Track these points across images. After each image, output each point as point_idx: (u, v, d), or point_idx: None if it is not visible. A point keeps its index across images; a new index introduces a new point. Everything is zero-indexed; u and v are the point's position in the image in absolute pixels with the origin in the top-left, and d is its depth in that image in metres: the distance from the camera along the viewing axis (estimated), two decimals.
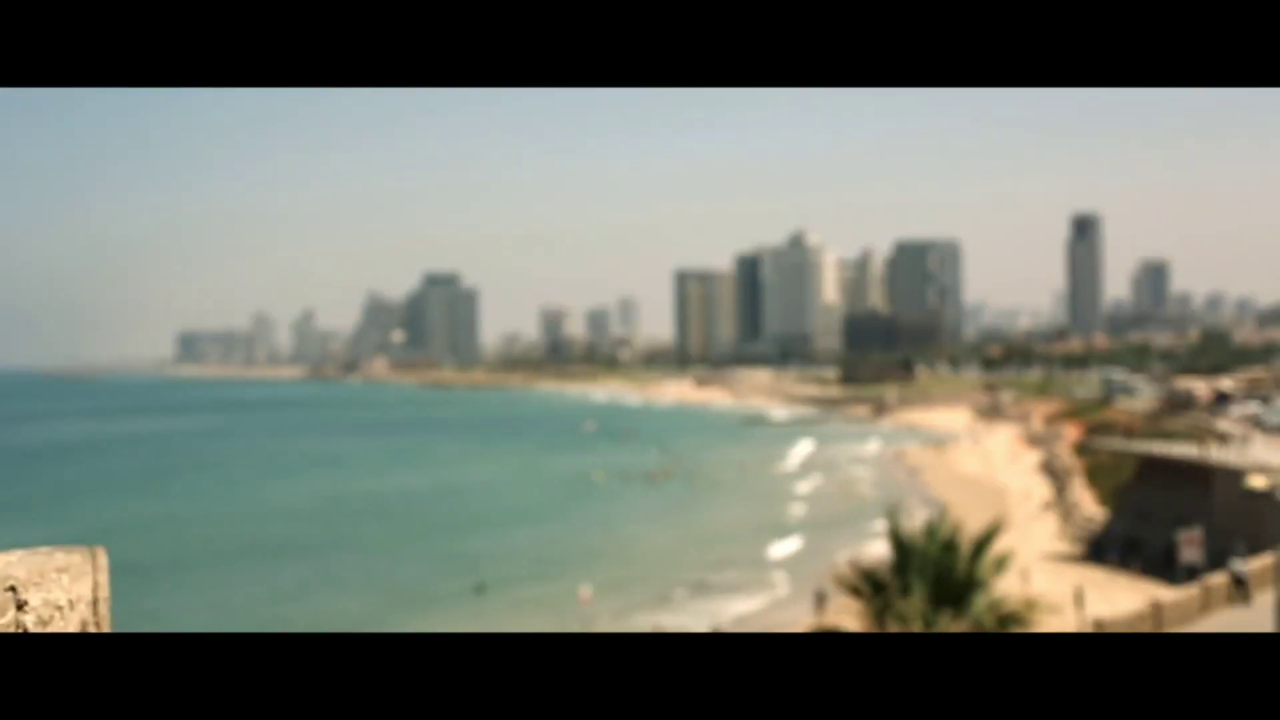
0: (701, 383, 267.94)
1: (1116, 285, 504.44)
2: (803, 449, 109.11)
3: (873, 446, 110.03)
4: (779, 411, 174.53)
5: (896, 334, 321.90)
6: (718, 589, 47.38)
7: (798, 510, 71.40)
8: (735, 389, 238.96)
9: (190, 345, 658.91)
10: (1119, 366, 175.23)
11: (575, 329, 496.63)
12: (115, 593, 2.64)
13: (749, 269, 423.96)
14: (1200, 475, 49.82)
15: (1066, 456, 76.21)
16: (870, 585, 23.95)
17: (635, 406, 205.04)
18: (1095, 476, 65.73)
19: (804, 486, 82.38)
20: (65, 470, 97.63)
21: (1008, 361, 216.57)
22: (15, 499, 73.44)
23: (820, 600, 40.73)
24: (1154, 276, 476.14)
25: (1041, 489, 71.62)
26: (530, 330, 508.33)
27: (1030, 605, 24.54)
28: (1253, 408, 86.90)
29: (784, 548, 57.18)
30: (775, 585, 48.92)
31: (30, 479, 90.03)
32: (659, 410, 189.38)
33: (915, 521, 29.33)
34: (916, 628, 22.10)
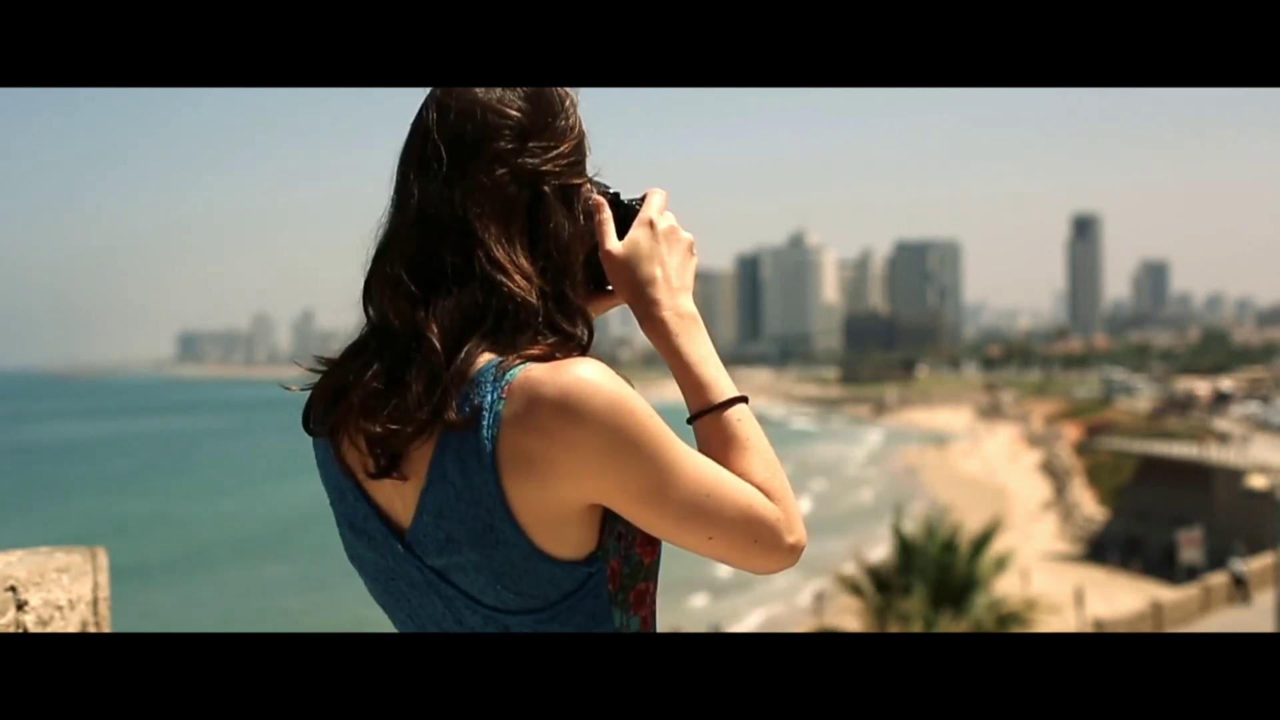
0: None
1: (1116, 285, 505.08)
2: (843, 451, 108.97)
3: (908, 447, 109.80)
4: (789, 410, 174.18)
5: (896, 334, 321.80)
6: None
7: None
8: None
9: (190, 345, 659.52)
10: (1119, 366, 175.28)
11: None
12: (116, 594, 2.63)
13: (749, 269, 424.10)
14: (1200, 475, 49.78)
15: (1066, 456, 76.18)
16: (873, 584, 23.99)
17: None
18: (1095, 476, 65.67)
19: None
20: (65, 470, 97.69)
21: (1008, 361, 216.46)
22: (15, 499, 73.49)
23: (820, 600, 40.74)
24: (1154, 276, 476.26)
25: (1041, 489, 71.59)
26: None
27: (1030, 605, 24.58)
28: (1253, 408, 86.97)
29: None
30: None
31: (30, 479, 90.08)
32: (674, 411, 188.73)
33: (915, 521, 29.34)
34: (917, 628, 22.11)
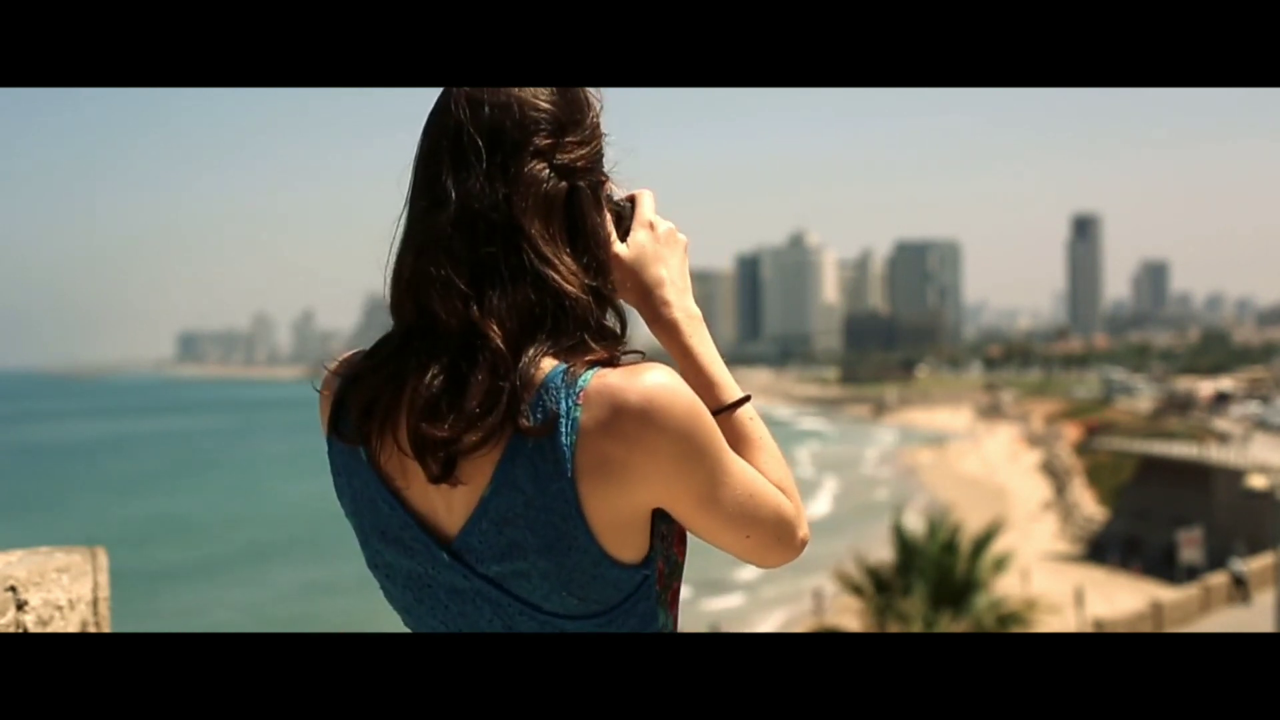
0: None
1: (1116, 285, 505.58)
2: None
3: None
4: (797, 410, 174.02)
5: (896, 334, 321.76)
6: None
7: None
8: None
9: (190, 345, 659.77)
10: (1119, 366, 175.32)
11: None
12: (120, 595, 2.63)
13: (749, 269, 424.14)
14: (1200, 475, 49.76)
15: (1066, 456, 76.16)
16: (873, 584, 23.98)
17: None
18: (1095, 476, 65.66)
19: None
20: (66, 470, 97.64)
21: (1008, 361, 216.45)
22: (16, 499, 73.45)
23: (819, 600, 40.76)
24: (1154, 276, 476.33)
25: (1041, 489, 71.57)
26: None
27: (1030, 605, 24.57)
28: (1253, 408, 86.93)
29: None
30: None
31: (31, 479, 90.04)
32: None
33: (916, 521, 29.33)
34: (917, 628, 22.10)
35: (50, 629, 2.31)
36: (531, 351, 1.31)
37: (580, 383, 1.29)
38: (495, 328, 1.30)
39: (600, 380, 1.29)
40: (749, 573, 44.84)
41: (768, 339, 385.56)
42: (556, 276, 1.33)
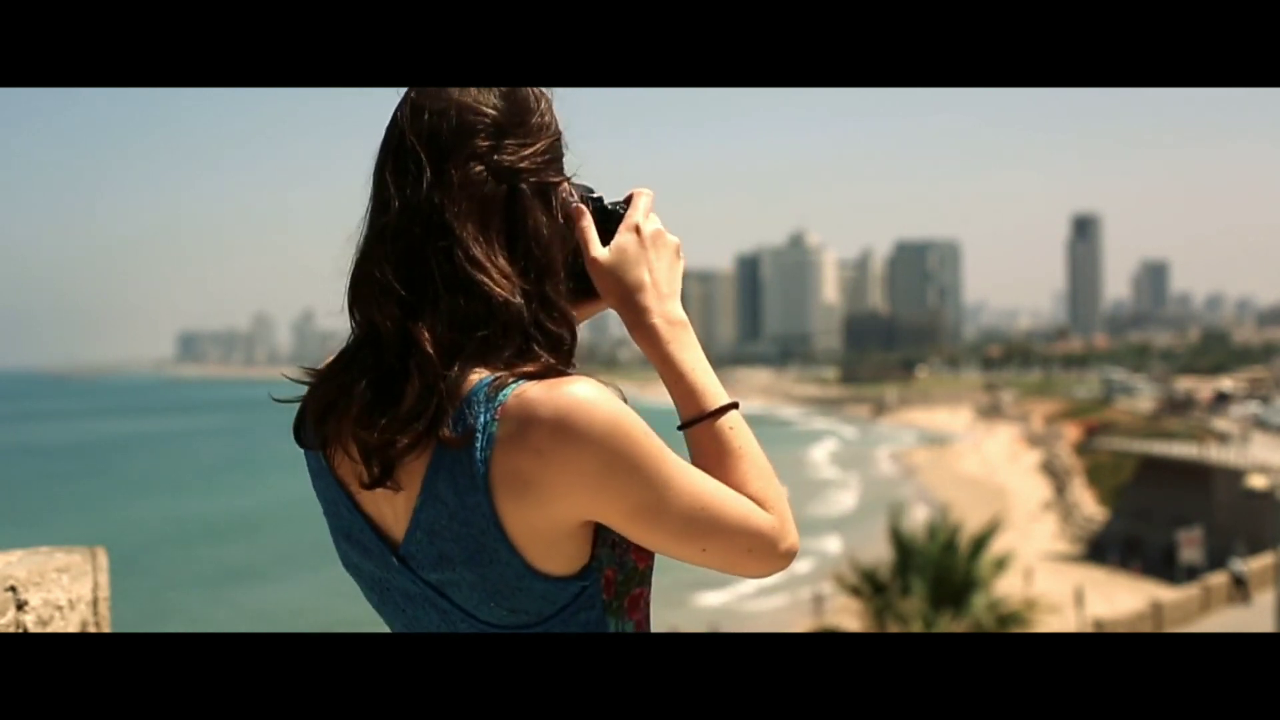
0: None
1: (1116, 285, 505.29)
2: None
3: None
4: (803, 410, 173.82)
5: (896, 334, 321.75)
6: None
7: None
8: (734, 389, 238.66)
9: (190, 345, 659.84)
10: (1119, 366, 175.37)
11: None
12: (122, 596, 2.63)
13: (749, 269, 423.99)
14: (1200, 475, 49.77)
15: (1066, 456, 76.15)
16: (870, 585, 23.97)
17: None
18: (1095, 476, 65.67)
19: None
20: (66, 470, 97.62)
21: (1008, 361, 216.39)
22: (16, 499, 73.45)
23: (819, 600, 40.75)
24: (1154, 276, 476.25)
25: (1041, 489, 71.56)
26: None
27: (1030, 605, 24.56)
28: (1253, 408, 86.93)
29: None
30: None
31: (31, 479, 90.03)
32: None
33: (916, 521, 29.31)
34: (916, 628, 22.10)
35: (50, 629, 2.31)
36: (462, 361, 1.31)
37: (502, 396, 1.29)
38: (426, 333, 1.30)
39: (519, 394, 1.29)
40: (784, 575, 44.78)
41: (768, 339, 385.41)
42: (486, 280, 1.32)
